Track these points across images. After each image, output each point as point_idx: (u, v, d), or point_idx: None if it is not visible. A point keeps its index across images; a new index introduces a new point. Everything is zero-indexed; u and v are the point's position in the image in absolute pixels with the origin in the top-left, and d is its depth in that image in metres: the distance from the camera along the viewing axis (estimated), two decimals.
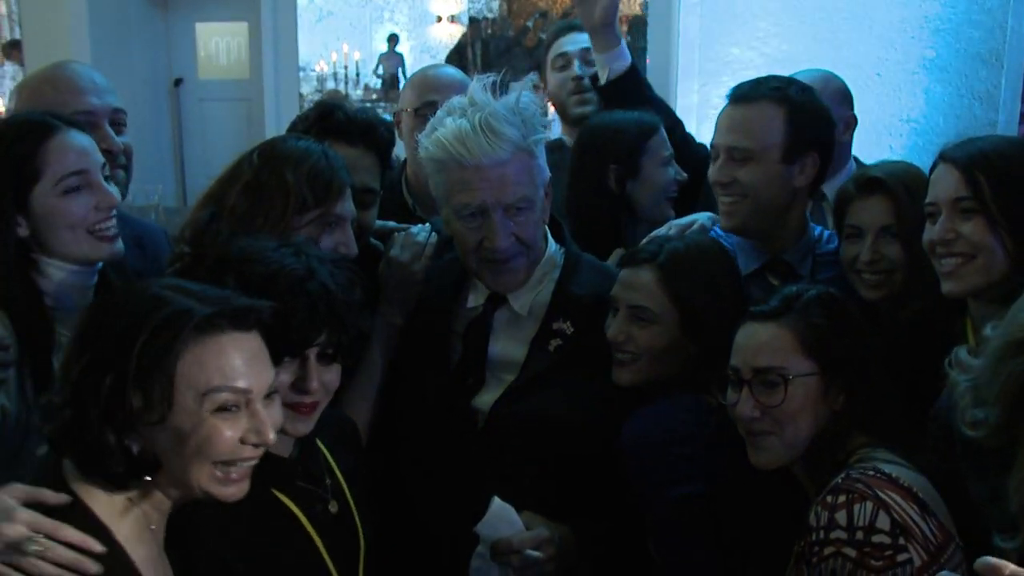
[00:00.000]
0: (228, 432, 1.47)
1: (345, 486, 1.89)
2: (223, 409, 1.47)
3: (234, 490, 1.52)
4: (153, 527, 1.54)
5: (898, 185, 2.18)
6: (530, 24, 8.81)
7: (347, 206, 2.14)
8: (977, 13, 4.64)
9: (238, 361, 1.48)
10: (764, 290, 2.20)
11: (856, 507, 1.64)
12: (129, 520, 1.50)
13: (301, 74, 7.86)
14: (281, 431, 1.64)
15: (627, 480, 2.01)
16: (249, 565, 1.69)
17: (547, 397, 2.12)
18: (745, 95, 2.41)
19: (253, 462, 1.53)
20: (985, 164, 1.93)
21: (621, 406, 2.06)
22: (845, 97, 3.13)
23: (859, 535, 1.62)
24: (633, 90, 3.14)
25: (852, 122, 3.14)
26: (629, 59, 3.16)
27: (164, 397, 1.43)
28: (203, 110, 8.21)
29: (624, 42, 3.17)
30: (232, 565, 1.67)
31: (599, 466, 2.07)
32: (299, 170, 2.07)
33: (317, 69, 8.50)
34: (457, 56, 9.04)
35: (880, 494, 1.65)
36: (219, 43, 8.16)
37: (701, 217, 2.56)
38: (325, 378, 1.77)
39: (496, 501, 1.96)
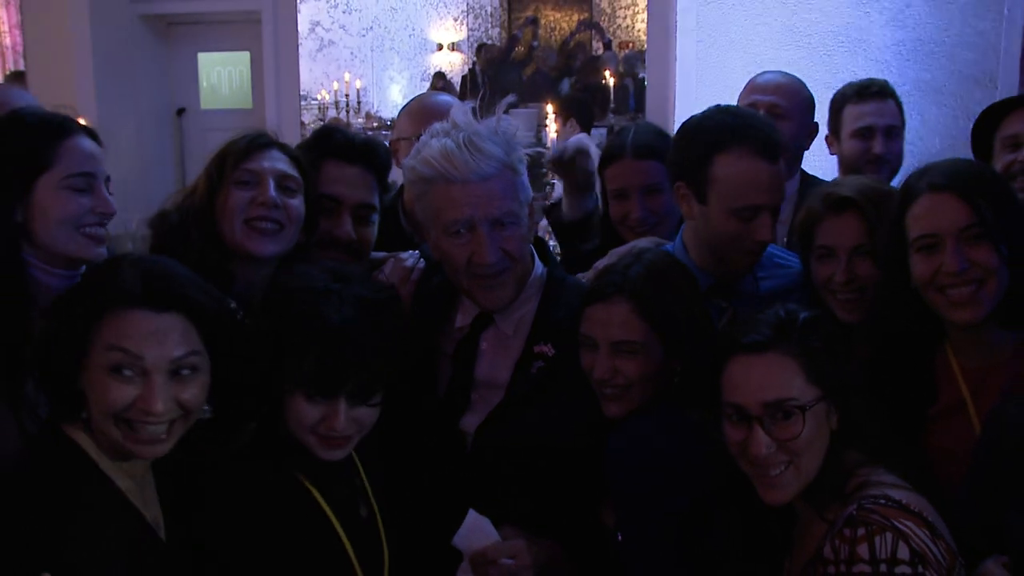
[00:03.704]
0: (113, 393, 1.63)
1: (371, 491, 1.93)
2: (116, 370, 1.62)
3: (144, 450, 1.66)
4: (125, 464, 1.70)
5: (868, 203, 2.18)
6: (519, 34, 8.74)
7: (263, 164, 2.27)
8: (971, 35, 4.68)
9: (139, 331, 1.64)
10: (717, 312, 2.17)
11: (876, 539, 1.63)
12: (107, 454, 1.68)
13: (303, 103, 7.91)
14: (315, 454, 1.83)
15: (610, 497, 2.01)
16: (277, 561, 1.76)
17: (531, 420, 2.12)
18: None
19: (159, 430, 1.66)
20: (981, 188, 1.92)
21: (604, 427, 2.04)
22: (812, 106, 3.30)
23: (883, 568, 1.61)
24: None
25: (815, 130, 3.31)
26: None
27: (81, 352, 1.64)
28: (206, 140, 8.23)
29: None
30: (259, 559, 1.74)
31: (583, 487, 2.06)
32: (219, 151, 2.31)
33: (319, 98, 8.54)
34: (460, 82, 9.06)
35: (897, 524, 1.64)
36: (221, 73, 8.20)
37: (642, 243, 2.51)
38: (356, 414, 1.82)
39: (471, 513, 1.98)
